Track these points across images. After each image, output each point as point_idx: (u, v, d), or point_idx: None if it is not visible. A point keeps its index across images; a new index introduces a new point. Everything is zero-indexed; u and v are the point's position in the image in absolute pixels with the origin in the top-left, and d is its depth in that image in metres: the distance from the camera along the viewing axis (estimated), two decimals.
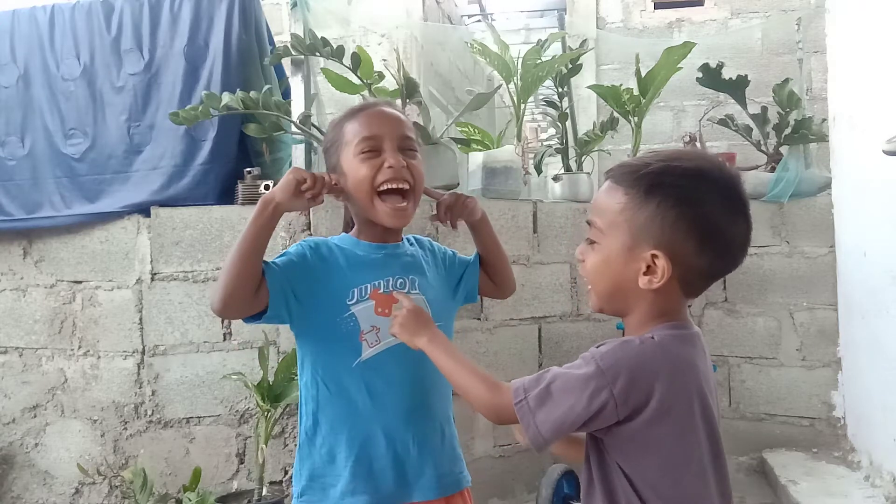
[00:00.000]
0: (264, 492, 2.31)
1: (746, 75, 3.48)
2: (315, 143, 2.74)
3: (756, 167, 3.55)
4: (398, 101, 2.74)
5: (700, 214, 0.90)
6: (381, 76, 2.78)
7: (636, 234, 0.92)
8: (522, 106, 3.32)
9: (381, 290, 1.22)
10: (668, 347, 0.90)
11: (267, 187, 2.58)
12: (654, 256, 0.90)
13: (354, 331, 1.20)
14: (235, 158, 2.73)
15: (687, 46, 3.25)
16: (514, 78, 3.24)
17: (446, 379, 1.07)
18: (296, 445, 1.28)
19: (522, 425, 0.91)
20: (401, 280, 1.25)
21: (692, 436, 0.90)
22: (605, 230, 0.95)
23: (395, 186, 1.21)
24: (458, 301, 1.41)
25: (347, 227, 1.36)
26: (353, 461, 1.19)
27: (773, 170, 3.40)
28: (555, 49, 3.63)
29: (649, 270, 0.91)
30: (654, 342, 0.90)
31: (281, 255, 1.21)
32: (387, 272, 1.24)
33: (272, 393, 2.28)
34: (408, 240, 1.35)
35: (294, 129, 2.68)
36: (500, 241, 1.43)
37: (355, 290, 1.21)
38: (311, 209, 2.36)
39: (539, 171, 3.58)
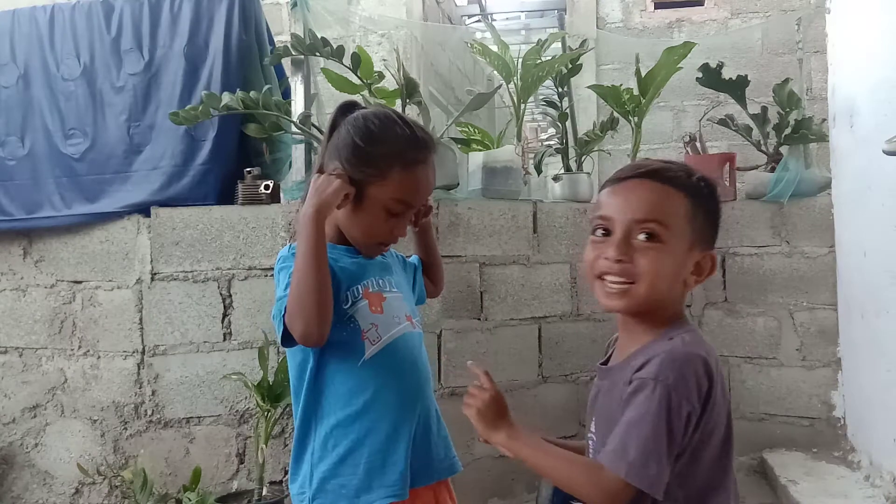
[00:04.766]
0: (264, 492, 2.31)
1: (746, 75, 3.47)
2: (315, 143, 2.74)
3: (756, 167, 3.54)
4: (398, 102, 2.74)
5: (718, 222, 1.04)
6: (381, 76, 2.79)
7: (694, 236, 0.99)
8: (522, 106, 3.31)
9: (371, 290, 1.27)
10: (702, 343, 0.96)
11: (267, 187, 2.57)
12: (707, 257, 1.00)
13: (356, 332, 1.24)
14: (235, 158, 2.73)
15: (687, 46, 3.25)
16: (514, 78, 3.24)
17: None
18: None
19: (644, 487, 0.88)
20: (381, 280, 1.31)
21: (725, 421, 0.97)
22: (672, 231, 0.98)
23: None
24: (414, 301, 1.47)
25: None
26: (367, 458, 1.21)
27: (773, 170, 3.39)
28: (555, 49, 3.63)
29: (696, 269, 1.00)
30: (692, 342, 0.95)
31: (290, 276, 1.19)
32: (369, 274, 1.30)
33: (272, 393, 2.29)
34: None
35: (294, 129, 2.68)
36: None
37: (348, 293, 1.25)
38: None
39: (539, 171, 3.58)
